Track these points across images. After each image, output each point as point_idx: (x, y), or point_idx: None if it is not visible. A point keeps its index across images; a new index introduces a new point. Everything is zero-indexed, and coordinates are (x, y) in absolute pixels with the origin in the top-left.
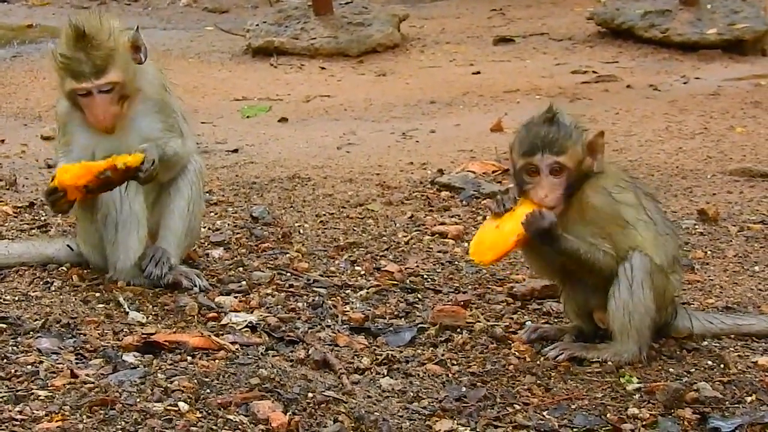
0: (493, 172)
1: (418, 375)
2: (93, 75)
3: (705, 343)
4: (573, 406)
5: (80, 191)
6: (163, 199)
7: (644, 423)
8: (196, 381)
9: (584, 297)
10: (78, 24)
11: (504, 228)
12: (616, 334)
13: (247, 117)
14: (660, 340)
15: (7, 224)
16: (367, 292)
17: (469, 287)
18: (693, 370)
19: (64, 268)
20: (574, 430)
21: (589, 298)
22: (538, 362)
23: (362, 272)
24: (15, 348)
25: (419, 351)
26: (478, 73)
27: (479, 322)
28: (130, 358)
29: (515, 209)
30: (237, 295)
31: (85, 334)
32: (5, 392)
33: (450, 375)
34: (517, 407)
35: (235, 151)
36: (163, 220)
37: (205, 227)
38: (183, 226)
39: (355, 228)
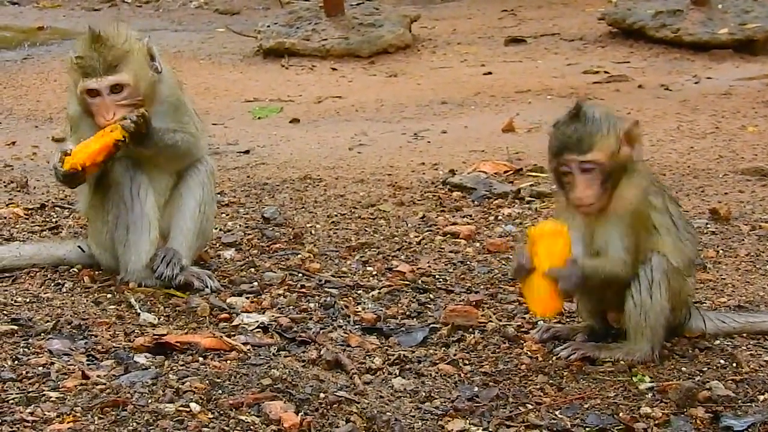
0: (505, 172)
1: (431, 375)
2: (103, 72)
3: (717, 342)
4: (585, 406)
5: (98, 165)
6: (175, 201)
7: (657, 422)
8: (207, 382)
9: (598, 297)
10: (94, 27)
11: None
12: (630, 332)
13: (259, 118)
14: (672, 339)
15: (18, 226)
16: (379, 293)
17: (481, 287)
18: (705, 369)
19: (75, 269)
20: (587, 429)
21: (604, 299)
22: (550, 362)
23: (374, 272)
24: (26, 349)
25: (431, 351)
26: (490, 73)
27: (491, 321)
28: (141, 359)
29: (537, 247)
30: (248, 295)
31: (96, 336)
32: (17, 393)
33: (462, 375)
34: (530, 407)
35: (247, 152)
36: (174, 221)
37: (216, 228)
38: (194, 227)
39: (366, 228)
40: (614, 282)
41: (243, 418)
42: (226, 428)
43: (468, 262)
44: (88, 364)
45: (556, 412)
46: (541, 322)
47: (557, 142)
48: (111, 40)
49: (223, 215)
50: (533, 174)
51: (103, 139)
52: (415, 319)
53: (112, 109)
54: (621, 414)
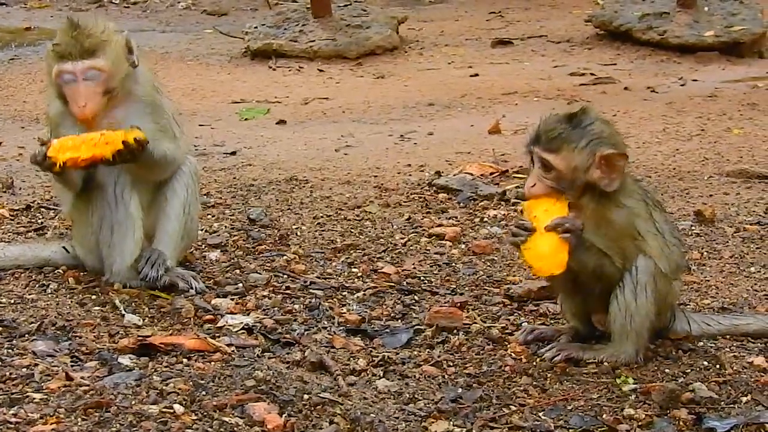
0: (491, 174)
1: (414, 376)
2: (79, 56)
3: (701, 343)
4: (569, 407)
5: (80, 164)
6: (159, 201)
7: (640, 423)
8: (191, 383)
9: (583, 299)
10: (73, 17)
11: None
12: (615, 335)
13: (246, 119)
14: (656, 341)
15: (3, 227)
16: (364, 294)
17: (466, 289)
18: (689, 370)
19: (60, 270)
20: (570, 430)
21: (589, 300)
22: (534, 363)
23: (359, 274)
24: (10, 351)
25: (415, 352)
26: (477, 75)
27: (476, 323)
28: (125, 360)
29: (535, 211)
30: (233, 297)
31: (80, 337)
32: (0, 395)
33: (446, 376)
34: (513, 408)
35: (233, 153)
36: (158, 222)
37: (202, 229)
38: (179, 227)
39: (352, 230)
40: (603, 274)
41: (227, 419)
42: (209, 430)
43: (453, 264)
44: (72, 366)
45: (540, 414)
46: (525, 324)
47: (536, 128)
48: (89, 28)
49: (209, 216)
50: (519, 176)
51: (94, 150)
52: (399, 321)
53: (85, 96)
54: (604, 415)
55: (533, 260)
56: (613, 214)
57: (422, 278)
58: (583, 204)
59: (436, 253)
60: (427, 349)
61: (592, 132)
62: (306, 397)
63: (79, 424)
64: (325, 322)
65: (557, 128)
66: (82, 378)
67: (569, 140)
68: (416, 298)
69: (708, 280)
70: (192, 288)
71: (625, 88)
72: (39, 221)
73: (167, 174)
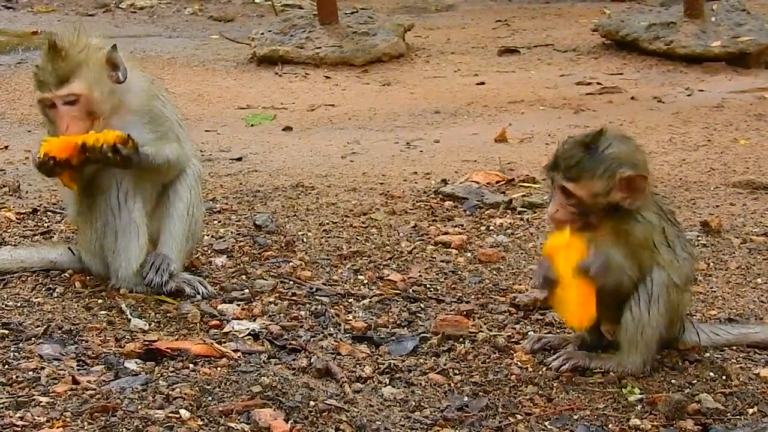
0: (497, 182)
1: (420, 384)
2: (54, 85)
3: (707, 354)
4: (575, 417)
5: (73, 164)
6: (163, 205)
7: None
8: (197, 388)
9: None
10: (51, 37)
11: (576, 283)
12: (624, 345)
13: (252, 125)
14: (663, 351)
15: (10, 230)
16: (370, 301)
17: (472, 297)
18: (695, 381)
19: (66, 274)
20: None
21: (598, 309)
22: (540, 372)
23: (365, 281)
24: (17, 354)
25: (421, 360)
26: (483, 83)
27: (482, 331)
28: (131, 364)
29: (556, 261)
30: (239, 302)
31: (87, 341)
32: (6, 398)
33: (452, 384)
34: (519, 417)
35: (239, 159)
36: (163, 225)
37: (208, 235)
38: (183, 231)
39: (358, 237)
40: (621, 291)
41: (232, 425)
42: None
43: (459, 272)
44: (79, 370)
45: (546, 423)
46: (532, 332)
47: (555, 155)
48: (66, 50)
49: (215, 222)
50: (525, 184)
51: (68, 138)
52: (405, 328)
53: (67, 120)
54: (610, 425)
55: (566, 316)
56: (632, 227)
57: (428, 286)
58: (611, 220)
59: (442, 261)
60: (433, 357)
61: (611, 156)
62: (312, 403)
63: (85, 428)
64: (331, 329)
65: (575, 155)
66: (88, 382)
67: (588, 168)
68: (422, 305)
69: (714, 291)
70: (198, 293)
71: (632, 98)
72: (45, 224)
73: (171, 176)
